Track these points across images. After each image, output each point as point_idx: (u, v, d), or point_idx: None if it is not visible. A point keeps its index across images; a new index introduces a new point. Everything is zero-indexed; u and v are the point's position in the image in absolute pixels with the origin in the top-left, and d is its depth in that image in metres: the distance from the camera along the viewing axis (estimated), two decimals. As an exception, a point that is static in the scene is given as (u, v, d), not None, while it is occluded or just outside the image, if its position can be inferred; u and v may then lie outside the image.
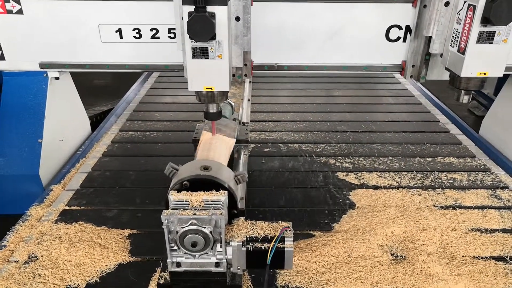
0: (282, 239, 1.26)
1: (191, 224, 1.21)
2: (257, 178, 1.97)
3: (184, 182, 1.32)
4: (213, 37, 1.45)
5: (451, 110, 2.78)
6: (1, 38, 1.89)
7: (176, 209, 1.24)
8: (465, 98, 1.70)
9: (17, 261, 1.43)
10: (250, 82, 3.15)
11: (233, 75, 1.83)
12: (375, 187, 1.89)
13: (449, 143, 2.32)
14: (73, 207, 1.74)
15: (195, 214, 1.21)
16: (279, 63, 1.92)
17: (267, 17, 1.81)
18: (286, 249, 1.26)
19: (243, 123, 2.23)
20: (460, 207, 1.75)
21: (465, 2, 1.50)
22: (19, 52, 1.91)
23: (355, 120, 2.61)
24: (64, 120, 2.14)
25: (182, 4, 1.40)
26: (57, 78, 2.02)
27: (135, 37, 1.87)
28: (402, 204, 1.75)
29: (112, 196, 1.82)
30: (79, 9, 1.82)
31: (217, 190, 1.32)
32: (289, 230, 1.29)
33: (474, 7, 1.44)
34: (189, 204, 1.26)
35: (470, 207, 1.75)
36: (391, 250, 1.49)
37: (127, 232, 1.59)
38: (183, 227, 1.22)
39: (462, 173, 2.01)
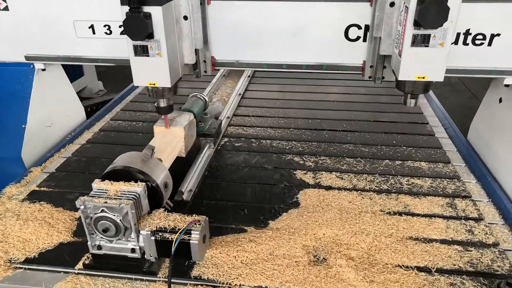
0: (188, 232, 1.33)
1: (102, 211, 1.32)
2: (216, 172, 2.03)
3: (105, 172, 1.43)
4: (150, 36, 1.53)
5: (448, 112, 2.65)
6: (-8, 32, 2.10)
7: (94, 196, 1.35)
8: (411, 102, 1.65)
9: (-22, 233, 1.63)
10: (248, 76, 3.22)
11: (195, 71, 1.91)
12: (327, 188, 1.88)
13: (427, 147, 2.23)
14: (42, 188, 1.92)
15: (106, 202, 1.31)
16: (240, 61, 1.95)
17: (227, 15, 1.85)
18: (191, 241, 1.32)
19: (215, 118, 2.30)
20: (408, 214, 1.70)
21: (404, 3, 1.45)
22: (7, 45, 2.12)
23: (338, 119, 2.57)
24: (53, 108, 2.32)
25: (121, 5, 1.49)
26: (43, 70, 2.20)
27: (106, 33, 2.00)
28: (347, 207, 1.74)
29: (79, 181, 1.97)
30: (56, 6, 1.98)
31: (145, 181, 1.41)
32: (198, 224, 1.35)
33: (407, 9, 1.39)
34: (106, 193, 1.36)
35: (418, 215, 1.70)
36: (315, 252, 1.50)
37: (78, 214, 1.72)
38: (95, 214, 1.32)
39: (425, 179, 1.94)
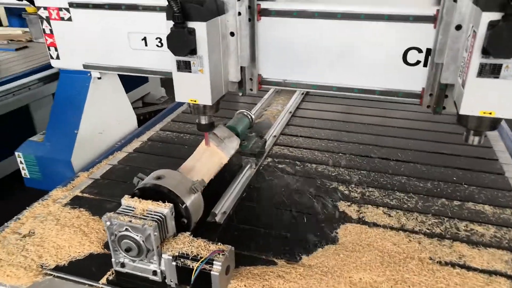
0: (210, 262, 1.26)
1: (126, 230, 1.29)
2: (254, 194, 1.95)
3: (135, 190, 1.40)
4: (193, 52, 1.49)
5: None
6: (57, 41, 2.22)
7: (121, 213, 1.32)
8: (475, 140, 1.45)
9: (20, 233, 1.69)
10: (302, 94, 3.12)
11: (240, 89, 1.85)
12: (372, 225, 1.72)
13: (494, 188, 1.97)
14: (84, 194, 1.97)
15: (130, 221, 1.28)
16: (287, 80, 1.87)
17: (277, 32, 1.78)
18: (212, 272, 1.25)
19: (260, 137, 2.23)
20: (462, 266, 1.49)
21: (472, 26, 1.27)
22: (68, 54, 2.22)
23: (393, 147, 2.38)
24: (105, 116, 2.40)
25: (166, 19, 1.48)
26: (99, 78, 2.28)
27: (157, 45, 2.02)
28: (390, 250, 1.56)
29: (120, 190, 1.98)
30: (113, 19, 2.03)
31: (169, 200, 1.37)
32: (222, 254, 1.27)
33: (475, 33, 1.21)
34: (133, 211, 1.33)
35: (475, 269, 1.48)
36: (348, 298, 1.36)
37: (112, 225, 1.73)
38: (120, 232, 1.29)
39: (488, 227, 1.70)
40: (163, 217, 1.31)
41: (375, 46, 1.70)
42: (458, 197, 1.91)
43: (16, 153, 2.27)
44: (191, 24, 1.46)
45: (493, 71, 1.23)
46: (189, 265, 1.27)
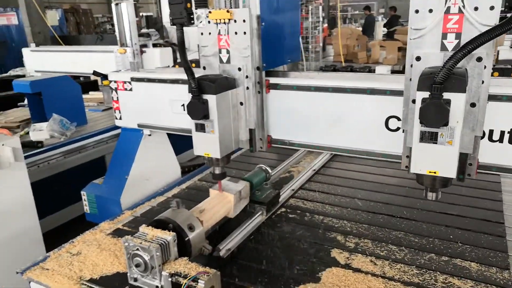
0: (196, 280, 1.58)
1: (137, 250, 1.67)
2: (260, 238, 2.24)
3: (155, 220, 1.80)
4: (206, 117, 1.93)
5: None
6: (121, 106, 2.83)
7: (136, 237, 1.72)
8: (432, 196, 1.66)
9: (71, 253, 2.16)
10: (331, 154, 3.41)
11: (250, 147, 2.24)
12: (355, 270, 1.91)
13: (488, 248, 2.04)
14: (125, 227, 2.42)
15: (141, 243, 1.66)
16: (291, 141, 2.22)
17: (282, 102, 2.18)
18: (196, 288, 1.56)
19: (275, 189, 2.55)
20: (427, 312, 1.62)
21: (414, 101, 1.55)
22: (128, 116, 2.81)
23: (402, 205, 2.54)
24: (152, 165, 2.91)
25: (188, 92, 1.94)
26: (149, 135, 2.83)
27: (191, 111, 2.51)
28: (365, 292, 1.75)
29: (152, 226, 2.41)
30: (160, 90, 2.59)
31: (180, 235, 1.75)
32: (206, 275, 1.59)
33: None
34: (145, 236, 1.72)
35: (439, 316, 1.60)
36: (313, 327, 1.57)
37: (139, 252, 2.13)
38: (133, 251, 1.68)
39: (467, 281, 1.80)
40: (167, 242, 1.68)
41: (361, 115, 2.01)
42: (448, 254, 2.02)
43: (82, 192, 2.84)
44: (205, 96, 1.92)
45: (431, 138, 1.49)
46: (180, 282, 1.60)
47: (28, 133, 4.19)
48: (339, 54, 10.14)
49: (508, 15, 1.43)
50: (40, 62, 6.00)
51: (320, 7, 13.46)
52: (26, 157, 3.47)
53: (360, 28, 14.97)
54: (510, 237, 2.16)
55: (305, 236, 2.24)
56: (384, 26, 14.55)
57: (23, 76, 6.68)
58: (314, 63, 11.57)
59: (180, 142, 3.03)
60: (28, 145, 3.93)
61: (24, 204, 2.88)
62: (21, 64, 7.09)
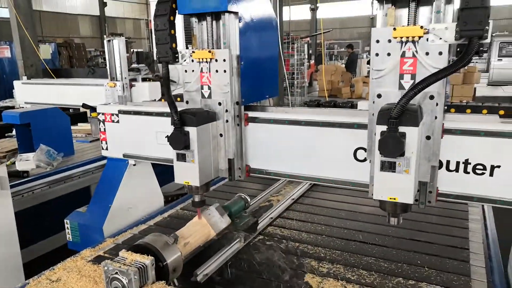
0: (171, 302, 1.66)
1: (116, 273, 1.75)
2: (237, 264, 2.32)
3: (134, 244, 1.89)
4: (187, 147, 2.06)
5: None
6: (108, 137, 2.95)
7: (115, 261, 1.80)
8: (394, 221, 1.79)
9: (51, 279, 2.20)
10: (310, 184, 3.54)
11: (229, 176, 2.36)
12: (326, 294, 2.00)
13: (453, 273, 2.16)
14: (105, 254, 2.47)
15: (120, 266, 1.75)
16: (268, 170, 2.35)
17: (259, 134, 2.32)
18: (171, 310, 1.64)
19: (253, 217, 2.66)
20: (392, 332, 1.72)
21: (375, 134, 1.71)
22: (114, 146, 2.92)
23: (375, 232, 2.66)
24: (135, 194, 3.00)
25: (171, 124, 2.08)
26: (134, 165, 2.94)
27: (175, 141, 2.64)
28: (333, 314, 1.83)
29: (134, 253, 2.47)
30: (146, 122, 2.73)
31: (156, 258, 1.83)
32: (181, 298, 1.67)
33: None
34: (125, 260, 1.80)
35: (402, 336, 1.70)
36: None
37: (120, 278, 2.19)
38: (112, 274, 1.76)
39: (430, 304, 1.90)
40: (145, 266, 1.76)
41: (332, 146, 2.16)
42: (414, 277, 2.13)
43: (65, 220, 2.90)
44: (186, 128, 2.06)
45: (390, 167, 1.64)
46: (156, 304, 1.67)
47: (14, 163, 4.25)
48: (324, 90, 10.52)
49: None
50: (31, 94, 6.12)
51: (306, 45, 14.01)
52: (11, 187, 3.53)
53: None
54: (473, 262, 2.28)
55: (280, 262, 2.33)
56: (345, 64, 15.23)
57: (13, 107, 6.78)
58: (299, 98, 11.94)
59: (166, 172, 3.14)
60: (14, 175, 3.98)
61: (6, 233, 2.92)
62: (11, 96, 7.20)
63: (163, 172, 3.19)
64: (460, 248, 2.44)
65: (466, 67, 12.07)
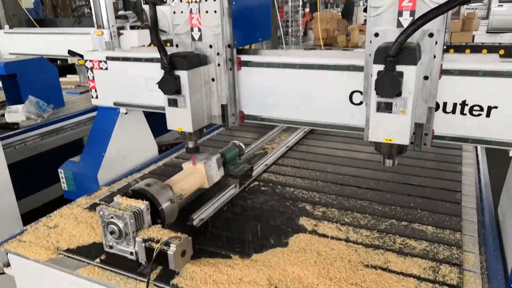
0: (168, 244, 1.67)
1: (111, 218, 1.75)
2: (233, 209, 2.34)
3: (128, 191, 1.88)
4: (178, 92, 2.00)
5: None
6: (97, 85, 2.86)
7: (110, 206, 1.80)
8: (389, 163, 1.78)
9: (48, 226, 2.22)
10: (305, 132, 3.52)
11: (223, 122, 2.32)
12: (321, 235, 2.04)
13: (444, 213, 2.20)
14: (101, 202, 2.48)
15: (115, 211, 1.75)
16: (262, 116, 2.31)
17: (253, 78, 2.25)
18: (168, 252, 1.66)
19: (248, 163, 2.65)
20: (384, 269, 1.76)
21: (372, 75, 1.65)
22: (104, 94, 2.85)
23: (368, 177, 2.68)
24: (129, 143, 2.96)
25: (161, 69, 2.01)
26: (126, 113, 2.88)
27: (166, 88, 2.57)
28: (327, 253, 1.88)
29: (129, 200, 2.48)
30: (136, 68, 2.63)
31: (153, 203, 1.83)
32: (178, 240, 1.69)
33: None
34: (120, 205, 1.80)
35: (394, 271, 1.75)
36: (277, 284, 1.69)
37: (116, 224, 2.21)
38: (107, 219, 1.76)
39: (422, 242, 1.95)
40: (140, 210, 1.76)
41: (327, 90, 2.11)
42: (407, 219, 2.17)
43: (59, 170, 2.88)
44: (177, 72, 1.98)
45: (386, 108, 1.60)
46: (153, 247, 1.69)
47: (3, 115, 4.16)
48: (319, 38, 10.24)
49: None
50: (15, 44, 5.88)
51: (301, -9, 13.48)
52: (2, 139, 3.48)
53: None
54: (465, 203, 2.32)
55: (275, 206, 2.36)
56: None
57: (-3, 59, 6.54)
58: (294, 47, 11.66)
59: (160, 123, 3.09)
60: (4, 127, 3.92)
61: (0, 185, 2.91)
62: (-6, 48, 6.93)
63: (157, 123, 3.15)
64: (453, 191, 2.48)
65: (465, 14, 11.75)
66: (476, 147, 3.17)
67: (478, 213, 2.22)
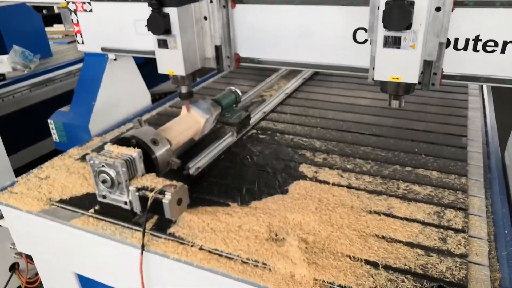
0: (162, 192, 1.60)
1: (103, 166, 1.66)
2: (231, 157, 2.26)
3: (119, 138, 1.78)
4: (168, 32, 1.84)
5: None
6: (82, 29, 2.67)
7: (101, 154, 1.71)
8: (395, 104, 1.67)
9: (39, 177, 2.14)
10: (304, 78, 3.38)
11: (218, 65, 2.17)
12: (322, 182, 1.97)
13: (449, 158, 2.13)
14: (93, 153, 2.39)
15: (106, 159, 1.65)
16: (259, 58, 2.16)
17: (248, 17, 2.08)
18: (163, 200, 1.58)
19: (245, 111, 2.54)
20: (387, 215, 1.71)
21: (379, 7, 1.50)
22: (90, 39, 2.66)
23: (371, 123, 2.58)
24: (120, 92, 2.83)
25: (148, 6, 1.83)
26: (115, 59, 2.72)
27: (155, 30, 2.39)
28: (328, 199, 1.81)
29: (123, 150, 2.39)
30: (122, 9, 2.44)
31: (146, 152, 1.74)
32: (173, 188, 1.61)
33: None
34: (111, 153, 1.71)
35: (397, 217, 1.69)
36: (278, 231, 1.64)
37: (110, 174, 2.13)
38: (98, 168, 1.68)
39: (426, 187, 1.88)
40: (132, 158, 1.67)
41: (328, 27, 1.95)
42: (411, 164, 2.09)
43: (49, 121, 2.76)
44: (166, 9, 1.81)
45: (394, 43, 1.46)
46: (147, 195, 1.62)
47: (-12, 66, 3.97)
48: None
49: None
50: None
51: None
52: (-13, 90, 3.34)
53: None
54: (471, 148, 2.24)
55: (274, 154, 2.27)
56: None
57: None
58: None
59: (153, 73, 2.93)
60: (-11, 78, 3.76)
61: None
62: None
63: (152, 73, 2.99)
64: (458, 135, 2.39)
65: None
66: (482, 91, 3.06)
67: (484, 158, 2.15)
